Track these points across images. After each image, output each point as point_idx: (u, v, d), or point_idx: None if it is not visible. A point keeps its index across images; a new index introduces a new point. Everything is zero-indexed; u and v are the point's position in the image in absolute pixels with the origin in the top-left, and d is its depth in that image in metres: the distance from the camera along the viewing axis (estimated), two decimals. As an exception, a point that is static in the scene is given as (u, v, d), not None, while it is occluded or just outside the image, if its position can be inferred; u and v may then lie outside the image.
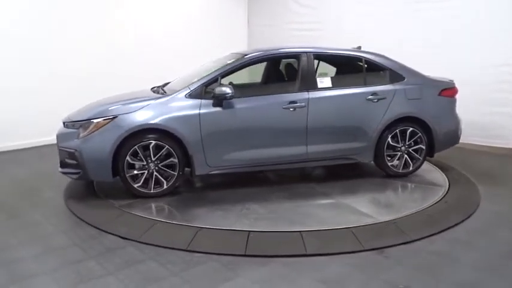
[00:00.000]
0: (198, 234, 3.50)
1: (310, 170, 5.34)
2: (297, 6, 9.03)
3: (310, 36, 8.60)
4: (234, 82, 5.51)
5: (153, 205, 4.24)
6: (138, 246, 3.38)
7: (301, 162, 4.67)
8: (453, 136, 5.05)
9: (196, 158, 4.36)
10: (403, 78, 4.82)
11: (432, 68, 5.40)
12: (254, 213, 3.98)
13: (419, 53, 6.61)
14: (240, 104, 4.44)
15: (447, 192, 4.48)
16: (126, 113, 4.23)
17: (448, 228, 3.64)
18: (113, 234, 3.58)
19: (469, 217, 3.88)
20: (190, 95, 4.38)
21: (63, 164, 4.38)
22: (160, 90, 4.79)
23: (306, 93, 4.56)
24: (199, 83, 4.44)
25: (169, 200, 4.37)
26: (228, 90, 4.25)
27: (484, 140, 4.98)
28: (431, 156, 5.01)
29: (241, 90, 4.71)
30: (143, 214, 3.96)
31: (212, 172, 4.48)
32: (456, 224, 3.71)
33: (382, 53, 4.92)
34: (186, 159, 4.37)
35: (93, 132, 4.20)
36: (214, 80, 4.45)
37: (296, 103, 4.50)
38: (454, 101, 5.05)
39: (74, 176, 4.34)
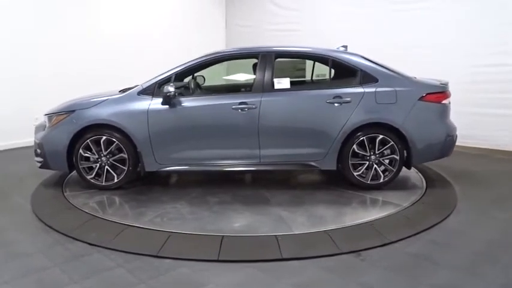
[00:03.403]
0: (170, 239, 3.36)
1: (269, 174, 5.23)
2: (275, 7, 8.99)
3: (289, 37, 8.57)
4: (205, 83, 5.52)
5: (104, 197, 4.44)
6: (106, 252, 3.22)
7: (254, 166, 4.52)
8: (440, 147, 4.47)
9: (145, 155, 4.47)
10: (376, 80, 4.44)
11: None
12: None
13: (412, 53, 6.62)
14: (189, 103, 4.47)
15: (424, 193, 4.45)
16: (82, 109, 4.52)
17: (426, 229, 3.58)
18: (80, 240, 3.41)
19: (446, 218, 3.85)
20: (142, 93, 4.50)
21: (35, 153, 4.71)
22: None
23: (260, 94, 4.43)
24: (152, 81, 4.53)
25: (121, 193, 4.56)
26: (170, 88, 4.28)
27: (459, 140, 4.79)
28: (409, 168, 4.63)
29: (196, 90, 4.82)
30: (111, 218, 3.80)
31: (163, 169, 4.54)
32: (434, 225, 3.67)
33: (359, 53, 4.73)
34: (137, 156, 4.50)
35: (54, 125, 4.57)
36: (168, 79, 4.50)
37: (246, 104, 4.38)
38: (443, 107, 4.47)
39: (38, 165, 4.69)
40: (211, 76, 5.85)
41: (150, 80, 4.58)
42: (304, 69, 6.26)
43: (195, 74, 5.41)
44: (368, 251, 3.22)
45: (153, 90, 4.49)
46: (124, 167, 4.52)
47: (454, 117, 4.66)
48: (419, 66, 6.14)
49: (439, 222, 3.74)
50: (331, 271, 2.94)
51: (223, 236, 3.39)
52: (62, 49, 7.49)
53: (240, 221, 3.79)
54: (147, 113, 4.40)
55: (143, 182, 4.91)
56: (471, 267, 3.00)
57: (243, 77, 5.94)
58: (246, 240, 3.36)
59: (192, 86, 4.80)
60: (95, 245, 3.32)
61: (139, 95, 4.50)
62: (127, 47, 8.40)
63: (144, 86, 4.54)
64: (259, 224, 3.71)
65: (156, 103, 4.43)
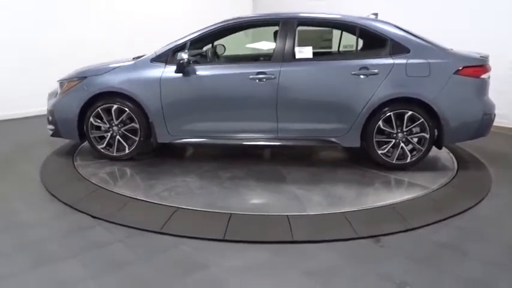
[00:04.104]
0: (175, 215, 3.16)
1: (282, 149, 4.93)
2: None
3: (320, 7, 8.09)
4: (226, 53, 5.24)
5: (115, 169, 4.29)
6: (108, 226, 3.07)
7: (271, 140, 4.22)
8: (476, 126, 4.05)
9: (157, 125, 4.27)
10: (407, 51, 4.01)
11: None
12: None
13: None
14: (203, 71, 4.21)
15: (455, 175, 4.07)
16: (94, 75, 4.33)
17: (455, 215, 3.25)
18: (84, 212, 3.27)
19: (478, 203, 3.49)
20: (156, 60, 4.27)
21: (48, 121, 4.58)
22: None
23: (279, 64, 4.10)
24: (166, 48, 4.29)
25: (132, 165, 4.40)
26: (183, 55, 4.02)
27: (497, 120, 4.33)
28: (439, 148, 4.23)
29: (212, 58, 4.57)
30: (118, 190, 3.64)
31: (175, 141, 4.33)
32: (464, 211, 3.32)
33: (389, 21, 4.31)
34: (149, 126, 4.33)
35: (65, 92, 4.41)
36: (182, 46, 4.24)
37: (265, 74, 4.06)
38: (481, 82, 4.01)
39: (50, 133, 4.56)
40: (235, 45, 5.57)
41: (165, 46, 4.33)
42: (330, 40, 5.89)
43: (215, 43, 5.14)
44: (388, 236, 2.93)
45: (167, 57, 4.25)
46: (136, 138, 4.34)
47: (492, 94, 4.21)
48: (459, 36, 5.62)
49: (470, 208, 3.39)
50: (346, 257, 2.68)
51: (231, 213, 3.16)
52: (82, 23, 7.38)
53: (251, 199, 3.55)
54: (160, 81, 4.18)
55: (156, 153, 4.74)
56: (504, 261, 2.67)
57: (266, 45, 5.59)
58: (255, 220, 3.13)
59: (209, 54, 4.52)
60: (98, 218, 3.17)
61: (152, 62, 4.27)
62: (147, 23, 8.20)
63: (158, 53, 4.30)
64: (272, 203, 3.47)
65: (169, 71, 4.19)
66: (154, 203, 3.38)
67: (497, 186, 3.84)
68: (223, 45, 5.32)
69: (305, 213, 3.21)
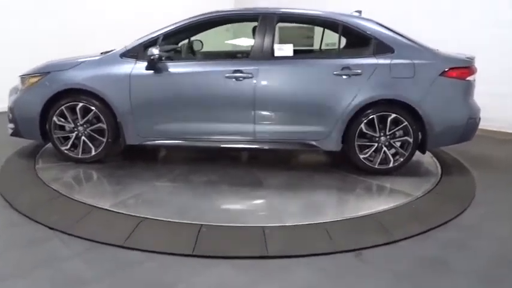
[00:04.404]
0: (140, 227, 2.90)
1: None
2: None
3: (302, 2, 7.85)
4: (204, 49, 4.99)
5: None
6: (66, 239, 2.79)
7: (249, 143, 3.99)
8: (460, 130, 3.88)
9: (126, 126, 3.99)
10: (392, 51, 3.82)
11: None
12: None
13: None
14: (176, 69, 3.94)
15: (439, 181, 3.91)
16: (58, 71, 4.01)
17: (439, 225, 3.08)
18: (39, 223, 2.98)
19: (462, 212, 3.33)
20: (125, 55, 3.97)
21: (8, 119, 4.24)
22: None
23: (257, 62, 3.87)
24: (137, 43, 3.99)
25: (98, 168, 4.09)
26: (154, 51, 3.74)
27: (482, 122, 4.19)
28: (423, 152, 4.09)
29: (187, 54, 4.33)
30: (80, 197, 3.34)
31: (146, 143, 4.04)
32: (448, 221, 3.16)
33: (374, 19, 4.10)
34: (117, 126, 4.03)
35: (27, 88, 4.08)
36: (154, 41, 3.94)
37: (242, 72, 3.82)
38: (467, 85, 3.86)
39: (10, 132, 4.23)
40: (215, 41, 5.31)
41: (136, 41, 4.05)
42: (312, 38, 5.66)
43: (192, 38, 4.87)
44: (370, 250, 2.74)
45: (137, 52, 3.96)
46: (103, 139, 4.05)
47: (477, 97, 4.05)
48: (446, 36, 5.47)
49: (455, 217, 3.23)
50: (324, 274, 2.47)
51: (201, 225, 2.92)
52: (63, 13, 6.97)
53: (225, 207, 3.32)
54: (129, 78, 3.89)
55: (125, 155, 4.45)
56: (492, 275, 2.50)
57: (245, 42, 5.35)
58: (227, 232, 2.89)
59: (184, 50, 4.26)
60: (55, 229, 2.89)
61: (121, 57, 3.98)
62: (128, 12, 7.82)
63: (128, 48, 4.01)
64: (246, 212, 3.24)
65: (140, 68, 3.91)
66: (119, 212, 3.11)
67: (481, 193, 3.70)
68: (201, 41, 5.05)
69: (282, 225, 2.98)
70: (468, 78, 3.89)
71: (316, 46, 5.43)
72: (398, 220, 3.13)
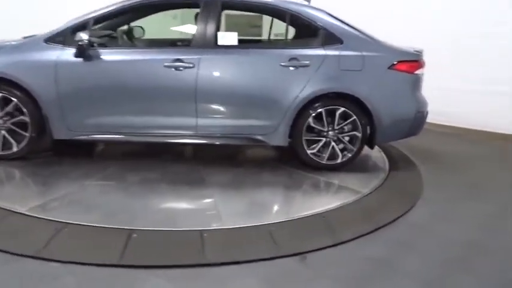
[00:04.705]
0: (61, 234, 2.56)
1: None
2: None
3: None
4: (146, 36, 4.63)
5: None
6: (-28, 250, 2.40)
7: (190, 137, 3.73)
8: (408, 125, 3.81)
9: (53, 119, 3.59)
10: (340, 42, 3.66)
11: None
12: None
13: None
14: (110, 56, 3.60)
15: (387, 177, 3.82)
16: None
17: (386, 224, 2.96)
18: None
19: (410, 210, 3.23)
20: (51, 40, 3.56)
21: None
22: None
23: (199, 50, 3.60)
24: (64, 26, 3.60)
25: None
26: (83, 35, 3.38)
27: (429, 116, 4.14)
28: (371, 147, 3.99)
29: (122, 41, 4.00)
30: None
31: (76, 138, 3.67)
32: (396, 219, 3.04)
33: (323, 9, 3.92)
34: (43, 119, 3.61)
35: None
36: (84, 25, 3.57)
37: (182, 62, 3.54)
38: (415, 79, 3.77)
39: None
40: (159, 29, 4.95)
41: (62, 24, 3.64)
42: (260, 27, 5.43)
43: (132, 24, 4.48)
44: (315, 253, 2.56)
45: (64, 37, 3.57)
46: (26, 133, 3.62)
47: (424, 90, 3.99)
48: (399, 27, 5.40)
49: (403, 215, 3.12)
50: (266, 281, 2.27)
51: (132, 230, 2.62)
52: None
53: (160, 209, 3.03)
54: (55, 66, 3.50)
55: (54, 152, 4.02)
56: (440, 277, 2.40)
57: (189, 29, 5.02)
58: (160, 237, 2.61)
59: (120, 36, 3.90)
60: (-42, 239, 2.49)
61: (47, 42, 3.57)
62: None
63: (54, 32, 3.60)
64: (185, 213, 2.98)
65: (67, 54, 3.52)
66: (38, 217, 2.74)
67: (428, 189, 3.63)
68: (142, 27, 4.67)
69: (222, 227, 2.75)
70: (416, 72, 3.80)
71: (264, 36, 5.22)
72: (346, 219, 2.98)
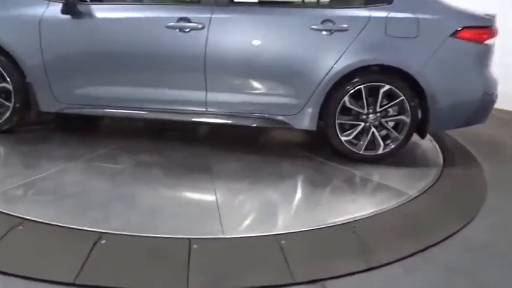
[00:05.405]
0: (11, 234, 2.01)
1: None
2: None
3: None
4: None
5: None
6: None
7: (198, 116, 3.11)
8: (472, 109, 3.03)
9: (39, 88, 3.07)
10: (390, 1, 2.92)
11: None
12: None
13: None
14: (102, 13, 3.00)
15: (440, 175, 3.03)
16: None
17: (438, 242, 2.22)
18: None
19: (470, 222, 2.47)
20: None
21: None
22: None
23: (210, 8, 2.91)
24: None
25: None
26: None
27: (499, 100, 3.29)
28: (422, 136, 3.21)
29: None
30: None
31: (65, 111, 3.14)
32: (451, 235, 2.30)
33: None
34: (27, 88, 3.11)
35: None
36: None
37: (189, 22, 2.88)
38: (485, 50, 2.96)
39: None
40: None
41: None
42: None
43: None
44: (339, 280, 1.89)
45: None
46: (9, 104, 3.11)
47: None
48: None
49: (460, 230, 2.37)
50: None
51: (101, 234, 2.03)
52: None
53: (147, 206, 2.41)
54: (39, 24, 2.94)
55: (47, 123, 3.52)
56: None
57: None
58: (136, 245, 2.01)
59: None
60: None
61: None
62: None
63: None
64: (175, 214, 2.33)
65: (53, 11, 2.96)
66: (-8, 209, 2.21)
67: (493, 194, 2.82)
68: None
69: (219, 237, 2.11)
70: (487, 42, 2.96)
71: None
72: (384, 233, 2.27)
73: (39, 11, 2.95)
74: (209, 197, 2.52)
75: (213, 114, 3.09)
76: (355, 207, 2.50)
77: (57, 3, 2.93)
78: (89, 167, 2.80)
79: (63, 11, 2.91)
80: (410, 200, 2.63)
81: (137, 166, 2.87)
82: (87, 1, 2.98)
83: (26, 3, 2.98)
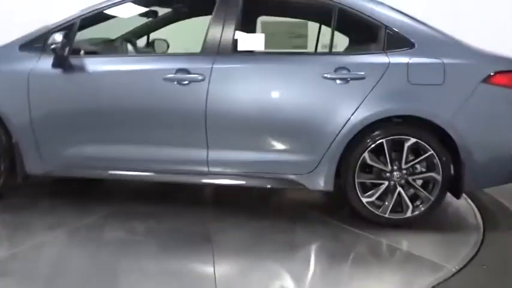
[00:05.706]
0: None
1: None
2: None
3: None
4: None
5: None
6: None
7: (199, 176, 2.77)
8: None
9: (25, 148, 2.79)
10: (411, 45, 2.63)
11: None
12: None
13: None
14: (94, 66, 2.75)
15: (481, 243, 2.56)
16: None
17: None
18: None
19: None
20: (27, 47, 2.78)
21: None
22: None
23: (211, 58, 2.64)
24: (45, 29, 2.79)
25: None
26: (56, 37, 2.56)
27: None
28: (457, 196, 2.75)
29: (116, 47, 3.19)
30: None
31: (53, 174, 2.88)
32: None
33: (383, 1, 2.85)
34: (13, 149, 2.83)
35: None
36: (69, 27, 2.76)
37: (188, 73, 2.61)
38: None
39: None
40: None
41: (43, 26, 2.87)
42: (305, 37, 4.42)
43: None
44: None
45: (44, 43, 2.77)
46: None
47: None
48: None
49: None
50: None
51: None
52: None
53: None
54: (28, 79, 2.73)
55: (36, 187, 3.22)
56: None
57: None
58: None
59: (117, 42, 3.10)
60: None
61: (21, 50, 2.81)
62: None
63: (32, 36, 2.84)
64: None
65: (44, 64, 2.74)
66: None
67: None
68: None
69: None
70: (525, 88, 2.59)
71: (311, 48, 4.19)
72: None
73: (29, 65, 2.74)
74: (206, 275, 2.11)
75: (216, 174, 2.75)
76: (382, 287, 2.06)
77: (49, 57, 2.71)
78: (71, 240, 2.43)
79: (54, 65, 2.69)
80: (450, 277, 2.16)
81: (127, 237, 2.49)
82: (80, 54, 2.77)
83: (18, 56, 2.78)
